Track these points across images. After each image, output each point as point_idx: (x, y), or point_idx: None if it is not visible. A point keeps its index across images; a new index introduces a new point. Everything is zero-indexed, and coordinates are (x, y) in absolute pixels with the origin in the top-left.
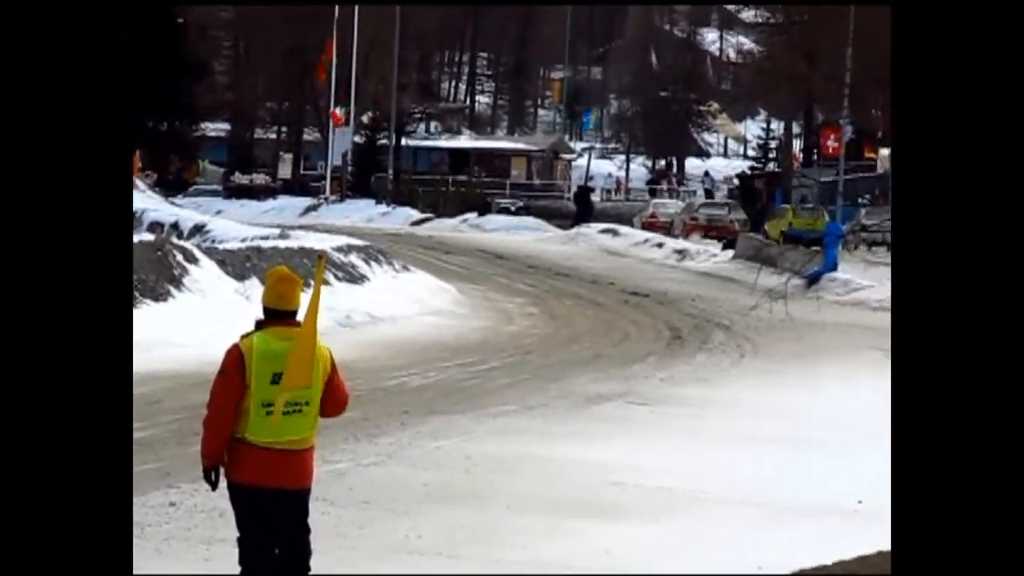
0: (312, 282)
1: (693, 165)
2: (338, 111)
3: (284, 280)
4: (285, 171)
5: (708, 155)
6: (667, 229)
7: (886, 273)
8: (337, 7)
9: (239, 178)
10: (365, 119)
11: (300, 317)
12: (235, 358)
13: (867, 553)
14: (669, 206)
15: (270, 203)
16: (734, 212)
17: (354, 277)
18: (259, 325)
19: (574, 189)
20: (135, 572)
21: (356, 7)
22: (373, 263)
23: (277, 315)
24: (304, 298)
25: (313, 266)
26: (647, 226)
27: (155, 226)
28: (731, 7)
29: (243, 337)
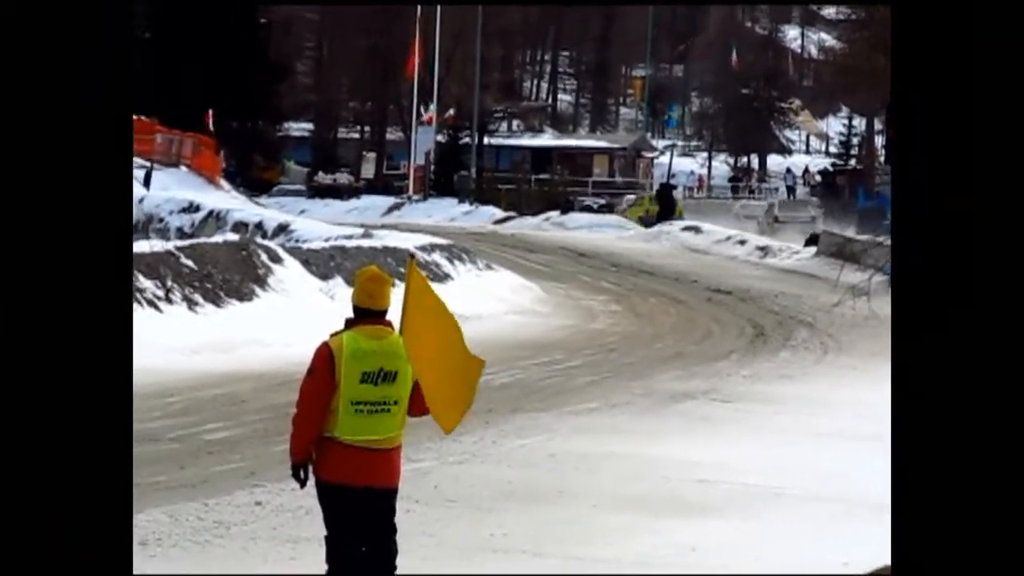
0: (398, 281)
1: (775, 162)
2: (424, 111)
3: (375, 279)
4: (368, 170)
5: (790, 152)
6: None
7: None
8: (419, 7)
9: (322, 178)
10: (447, 118)
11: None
12: (324, 357)
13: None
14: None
15: (353, 202)
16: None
17: (438, 276)
18: (349, 324)
19: (656, 187)
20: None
21: (438, 8)
22: (456, 262)
23: (367, 314)
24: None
25: (398, 265)
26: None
27: (239, 226)
28: (812, 4)
29: (333, 336)
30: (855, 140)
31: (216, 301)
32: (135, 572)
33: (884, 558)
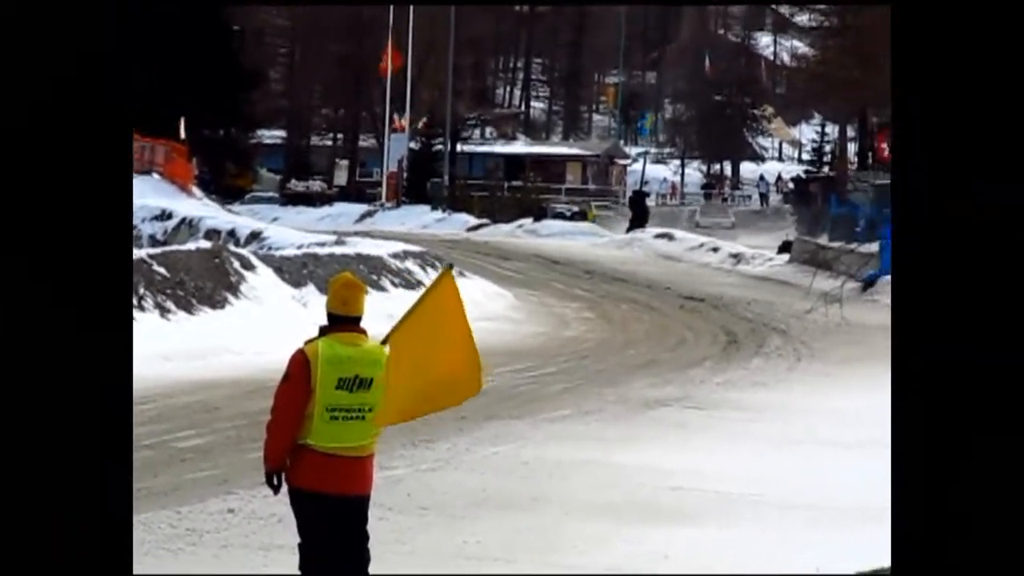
0: (370, 289)
1: (748, 169)
2: (398, 118)
3: (349, 286)
4: (341, 178)
5: (763, 159)
6: None
7: None
8: (392, 15)
9: (295, 185)
10: (420, 125)
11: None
12: (300, 363)
13: (879, 568)
14: None
15: (326, 210)
16: None
17: (411, 283)
18: (323, 331)
19: (629, 194)
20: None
21: (411, 16)
22: (430, 269)
23: (342, 321)
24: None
25: (370, 272)
26: None
27: (212, 233)
28: (784, 10)
29: (308, 342)
30: (828, 147)
31: (188, 308)
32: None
33: (857, 564)
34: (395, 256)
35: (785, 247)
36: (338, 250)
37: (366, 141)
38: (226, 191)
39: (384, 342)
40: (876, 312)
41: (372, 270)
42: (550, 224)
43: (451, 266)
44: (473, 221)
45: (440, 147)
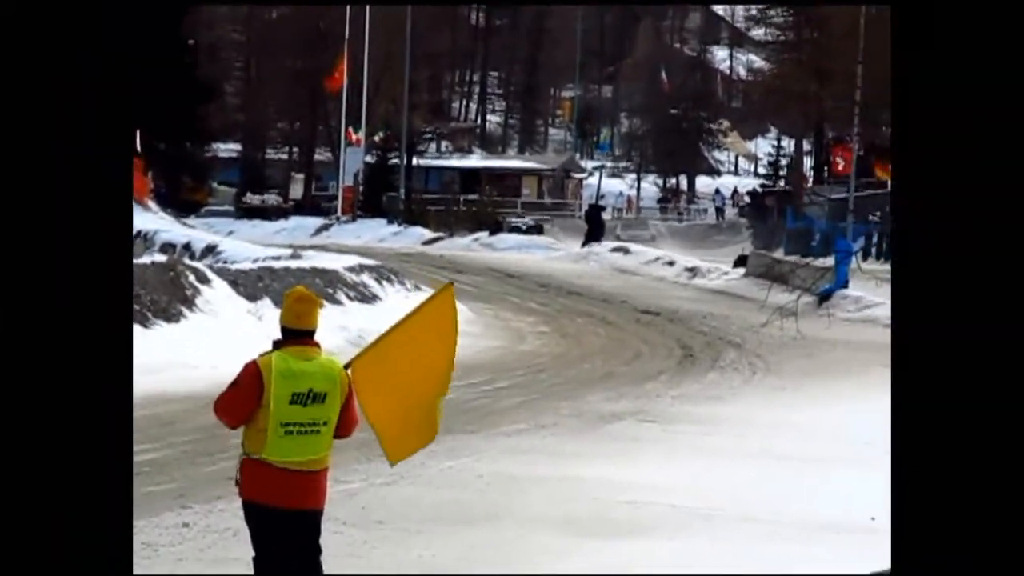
0: (325, 303)
1: (704, 183)
2: (353, 132)
3: (303, 300)
4: (297, 191)
5: (719, 173)
6: None
7: None
8: (347, 28)
9: (251, 198)
10: (376, 139)
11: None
12: (252, 374)
13: (880, 571)
14: None
15: (282, 223)
16: None
17: (366, 297)
18: (276, 345)
19: (585, 208)
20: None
21: (367, 30)
22: (385, 283)
23: (295, 334)
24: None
25: (325, 286)
26: None
27: (167, 247)
28: (740, 24)
29: (261, 356)
30: (784, 161)
31: (144, 322)
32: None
33: None
34: (351, 270)
35: (741, 261)
36: (294, 264)
37: (322, 155)
38: (182, 205)
39: (347, 366)
40: (831, 326)
41: (328, 284)
42: (506, 238)
43: (451, 283)
44: (429, 234)
45: (396, 161)
